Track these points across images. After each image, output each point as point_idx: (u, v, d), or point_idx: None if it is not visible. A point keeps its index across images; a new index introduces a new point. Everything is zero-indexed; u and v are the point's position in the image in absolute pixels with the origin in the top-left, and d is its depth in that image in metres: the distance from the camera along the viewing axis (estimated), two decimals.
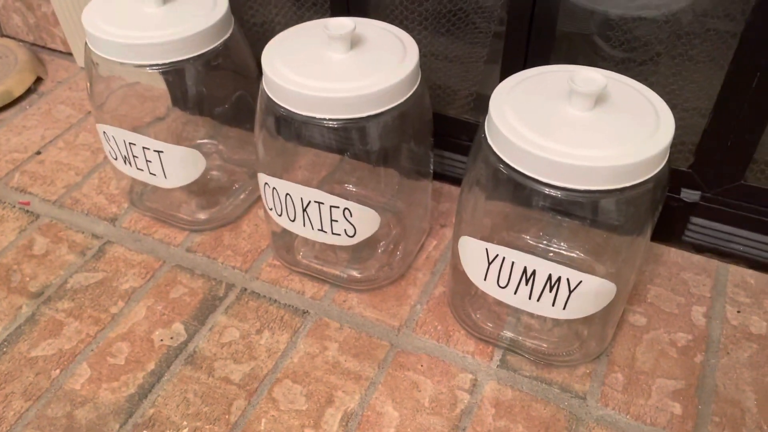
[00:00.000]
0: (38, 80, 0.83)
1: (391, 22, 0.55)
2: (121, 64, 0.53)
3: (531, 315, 0.54)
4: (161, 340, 0.54)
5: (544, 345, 0.53)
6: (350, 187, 0.64)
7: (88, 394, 0.50)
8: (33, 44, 0.89)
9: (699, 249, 0.60)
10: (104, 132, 0.58)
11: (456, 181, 0.69)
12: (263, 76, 0.50)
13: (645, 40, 0.55)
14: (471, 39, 0.62)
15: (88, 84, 0.58)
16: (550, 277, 0.45)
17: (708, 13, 0.51)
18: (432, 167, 0.59)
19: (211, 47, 0.55)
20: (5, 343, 0.54)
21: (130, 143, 0.57)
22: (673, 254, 0.60)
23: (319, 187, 0.51)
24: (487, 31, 0.61)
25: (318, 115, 0.47)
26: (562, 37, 0.56)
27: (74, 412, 0.49)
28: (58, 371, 0.52)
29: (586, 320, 0.53)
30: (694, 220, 0.58)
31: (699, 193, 0.56)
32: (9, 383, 0.51)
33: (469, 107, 0.65)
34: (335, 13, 0.62)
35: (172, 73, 0.56)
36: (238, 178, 0.68)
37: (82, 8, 0.79)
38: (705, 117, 0.55)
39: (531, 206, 0.46)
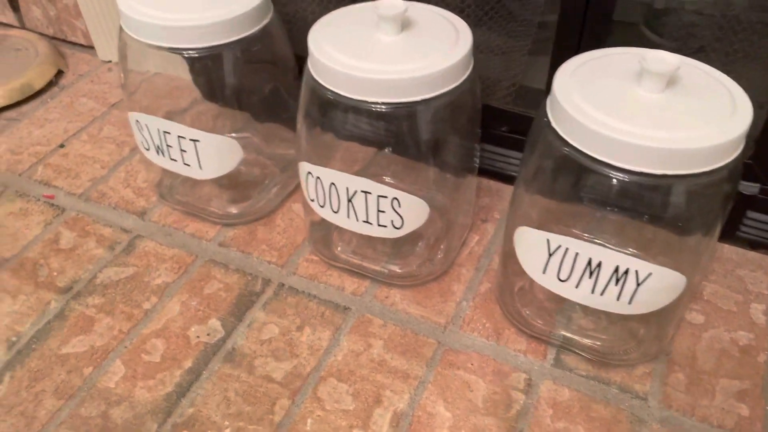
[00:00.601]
0: (59, 73, 0.81)
1: None
2: (158, 47, 0.51)
3: (584, 311, 0.52)
4: (197, 336, 0.52)
5: (599, 343, 0.50)
6: (389, 180, 0.62)
7: (123, 393, 0.48)
8: (53, 37, 0.87)
9: (754, 245, 0.58)
10: (137, 120, 0.56)
11: (495, 175, 0.66)
12: (309, 58, 0.48)
13: (701, 31, 0.53)
14: (513, 29, 0.60)
15: (121, 72, 0.56)
16: (617, 269, 0.43)
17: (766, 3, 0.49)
18: (478, 162, 0.57)
19: (250, 32, 0.53)
20: (34, 340, 0.51)
21: (164, 132, 0.54)
22: (727, 250, 0.58)
23: None
24: (530, 22, 0.59)
25: (369, 99, 0.45)
26: (614, 27, 0.54)
27: (109, 411, 0.47)
28: (90, 369, 0.49)
29: (643, 318, 0.50)
30: (751, 214, 0.56)
31: (758, 185, 0.54)
32: (40, 381, 0.49)
33: (511, 98, 0.63)
34: None
35: (208, 59, 0.54)
36: (269, 171, 0.66)
37: (106, 1, 0.77)
38: (764, 108, 0.52)
39: (595, 197, 0.43)
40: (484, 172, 0.67)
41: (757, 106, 0.53)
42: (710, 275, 0.56)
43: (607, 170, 0.40)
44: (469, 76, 0.48)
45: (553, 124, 0.42)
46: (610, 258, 0.43)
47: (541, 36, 0.60)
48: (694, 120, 0.39)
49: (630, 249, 0.54)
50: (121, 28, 0.53)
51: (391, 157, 0.60)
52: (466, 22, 0.60)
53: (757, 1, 0.50)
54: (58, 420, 0.46)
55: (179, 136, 0.54)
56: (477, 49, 0.62)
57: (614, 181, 0.40)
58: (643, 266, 0.42)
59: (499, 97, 0.63)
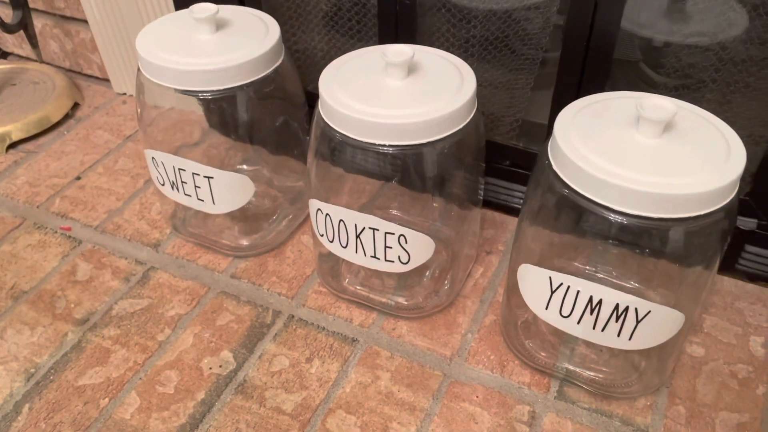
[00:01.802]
0: (75, 106, 0.83)
1: (438, 48, 0.55)
2: (174, 90, 0.53)
3: (586, 345, 0.53)
4: (210, 368, 0.53)
5: (601, 376, 0.52)
6: (395, 212, 0.63)
7: (138, 424, 0.49)
8: (69, 70, 0.90)
9: (753, 278, 0.59)
10: (153, 158, 0.58)
11: (500, 207, 0.68)
12: (320, 102, 0.50)
13: (698, 67, 0.55)
14: (517, 66, 0.62)
15: (138, 110, 0.58)
16: (617, 307, 0.44)
17: (765, 40, 0.51)
18: (482, 194, 0.59)
19: (263, 74, 0.55)
20: (52, 371, 0.53)
21: (179, 169, 0.56)
22: (727, 283, 0.59)
23: (361, 212, 0.50)
24: (534, 59, 0.61)
25: (377, 141, 0.47)
26: (615, 65, 0.56)
27: None
28: (106, 400, 0.51)
29: (644, 352, 0.52)
30: (749, 248, 0.57)
31: (755, 221, 0.56)
32: (57, 412, 0.50)
33: (514, 133, 0.65)
34: (384, 40, 0.62)
35: (223, 100, 0.56)
36: (279, 204, 0.68)
37: (122, 35, 0.80)
38: (760, 144, 0.54)
39: (596, 235, 0.45)
40: (488, 204, 0.68)
41: (754, 141, 0.55)
42: (710, 308, 0.57)
43: (605, 212, 0.41)
44: (473, 118, 0.50)
45: (554, 167, 0.44)
46: (611, 296, 0.44)
47: (544, 72, 0.62)
48: (690, 165, 0.41)
49: (631, 282, 0.55)
50: (139, 70, 0.55)
51: (397, 190, 0.62)
52: (471, 59, 0.62)
53: (753, 35, 0.51)
54: None
55: (194, 173, 0.56)
56: (481, 85, 0.65)
57: (614, 222, 0.41)
58: (642, 304, 0.44)
59: (503, 133, 0.65)
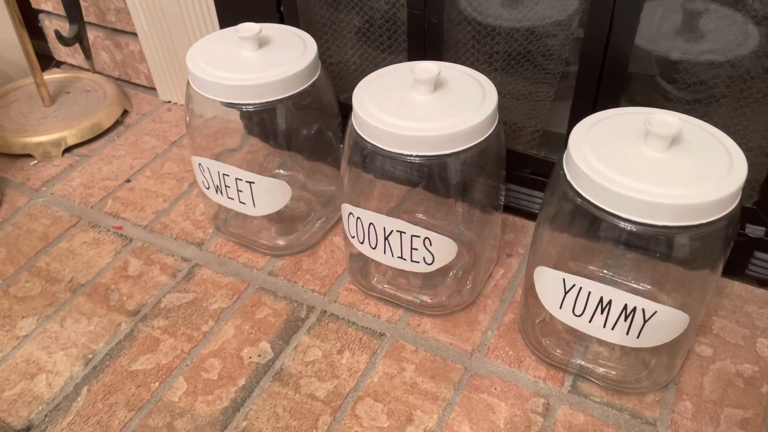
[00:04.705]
0: (124, 113, 0.90)
1: (464, 62, 0.59)
2: (220, 102, 0.58)
3: (599, 343, 0.57)
4: (250, 357, 0.58)
5: (613, 372, 0.55)
6: (421, 216, 0.68)
7: (185, 406, 0.54)
8: (118, 79, 0.96)
9: (762, 283, 0.62)
10: (200, 164, 0.63)
11: (520, 213, 0.72)
12: (353, 115, 0.54)
13: (711, 83, 0.58)
14: (538, 79, 0.66)
15: (187, 118, 0.64)
16: (625, 307, 0.48)
17: None
18: (503, 200, 0.62)
19: (301, 88, 0.59)
20: (108, 357, 0.59)
21: (223, 174, 0.61)
22: (737, 287, 0.62)
23: (389, 216, 0.55)
24: (554, 72, 0.65)
25: (405, 152, 0.51)
26: (630, 79, 0.60)
27: (174, 422, 0.53)
28: (157, 384, 0.56)
29: (654, 350, 0.55)
30: (758, 254, 0.60)
31: (763, 228, 0.58)
32: (113, 394, 0.56)
33: (535, 143, 0.69)
34: (412, 54, 0.66)
35: (264, 112, 0.61)
36: (313, 207, 0.73)
37: (168, 47, 0.85)
38: None
39: (607, 240, 0.48)
40: (509, 209, 0.72)
41: (763, 153, 0.58)
42: (720, 311, 0.60)
43: (615, 220, 0.45)
44: (494, 130, 0.54)
45: (568, 177, 0.47)
46: (620, 297, 0.48)
47: (565, 84, 0.66)
48: (694, 177, 0.44)
49: (643, 284, 0.58)
50: (188, 83, 0.60)
51: (423, 195, 0.66)
52: (495, 72, 0.66)
53: (761, 53, 0.54)
54: (129, 429, 0.53)
55: (237, 178, 0.61)
56: (504, 96, 0.68)
57: (623, 229, 0.45)
58: (649, 305, 0.47)
59: (524, 142, 0.69)
